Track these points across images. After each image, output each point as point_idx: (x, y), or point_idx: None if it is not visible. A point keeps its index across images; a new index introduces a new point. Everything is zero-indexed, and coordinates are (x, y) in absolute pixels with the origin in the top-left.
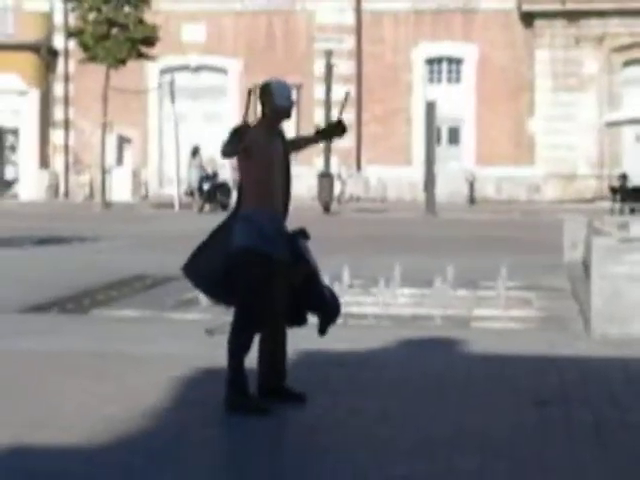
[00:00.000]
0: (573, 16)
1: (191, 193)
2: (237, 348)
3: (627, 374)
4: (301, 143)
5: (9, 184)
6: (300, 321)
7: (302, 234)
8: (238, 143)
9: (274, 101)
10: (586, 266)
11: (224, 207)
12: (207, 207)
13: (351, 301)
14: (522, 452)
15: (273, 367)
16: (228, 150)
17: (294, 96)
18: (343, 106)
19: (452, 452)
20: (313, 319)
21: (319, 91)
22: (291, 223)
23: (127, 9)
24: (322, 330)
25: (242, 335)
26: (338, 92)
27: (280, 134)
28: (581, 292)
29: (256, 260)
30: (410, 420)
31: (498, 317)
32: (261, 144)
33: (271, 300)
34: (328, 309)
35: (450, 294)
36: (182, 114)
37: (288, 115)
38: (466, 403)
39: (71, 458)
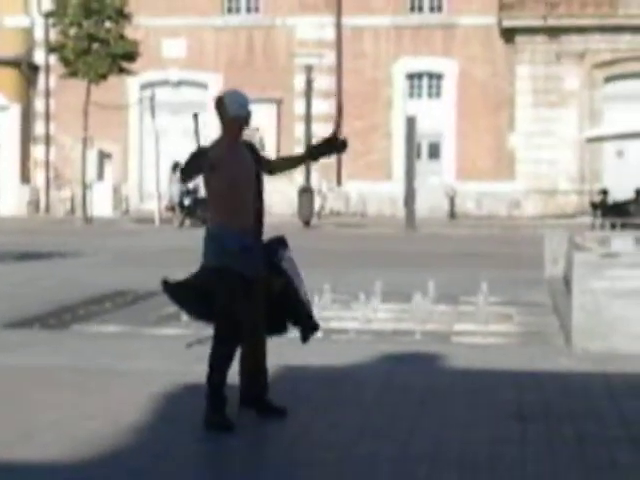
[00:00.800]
0: (554, 32)
1: (172, 208)
2: (216, 364)
3: (608, 389)
4: (288, 162)
5: None
6: (279, 329)
7: (281, 243)
8: (196, 167)
9: (229, 112)
10: (567, 281)
11: (205, 222)
12: (188, 222)
13: (332, 316)
14: (502, 467)
15: (253, 380)
16: (187, 173)
17: (250, 105)
18: (338, 123)
19: (432, 467)
20: (293, 332)
21: (299, 106)
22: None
23: (108, 24)
24: (304, 338)
25: (220, 351)
26: (318, 107)
27: (250, 147)
28: (562, 307)
29: (227, 279)
30: (390, 435)
31: (479, 332)
32: (224, 159)
33: (246, 315)
34: (304, 321)
35: (430, 309)
36: (163, 129)
37: (247, 123)
38: (446, 418)
39: (52, 474)
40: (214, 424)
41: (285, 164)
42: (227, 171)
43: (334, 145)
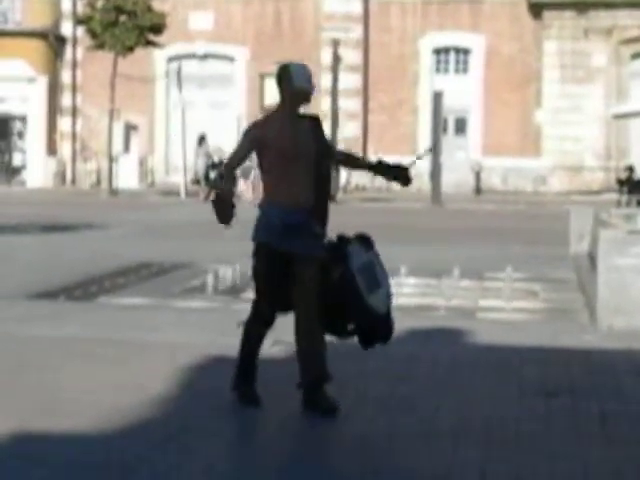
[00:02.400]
0: (582, 7)
1: (197, 181)
2: (245, 336)
3: (633, 366)
4: (352, 161)
5: (17, 171)
6: (340, 331)
7: (363, 240)
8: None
9: (294, 83)
10: (592, 258)
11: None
12: (213, 195)
13: None
14: (527, 443)
15: (305, 364)
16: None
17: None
18: (420, 157)
19: (457, 442)
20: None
21: (326, 80)
22: None
23: None
24: (362, 344)
25: (249, 324)
26: (345, 81)
27: (313, 121)
28: (587, 284)
29: (262, 253)
30: (415, 409)
31: (504, 308)
32: (277, 131)
33: (276, 294)
34: (366, 324)
35: (456, 285)
36: (189, 102)
37: (307, 99)
38: (471, 393)
39: (77, 445)
40: (236, 391)
41: (347, 160)
42: (280, 144)
43: (400, 175)
